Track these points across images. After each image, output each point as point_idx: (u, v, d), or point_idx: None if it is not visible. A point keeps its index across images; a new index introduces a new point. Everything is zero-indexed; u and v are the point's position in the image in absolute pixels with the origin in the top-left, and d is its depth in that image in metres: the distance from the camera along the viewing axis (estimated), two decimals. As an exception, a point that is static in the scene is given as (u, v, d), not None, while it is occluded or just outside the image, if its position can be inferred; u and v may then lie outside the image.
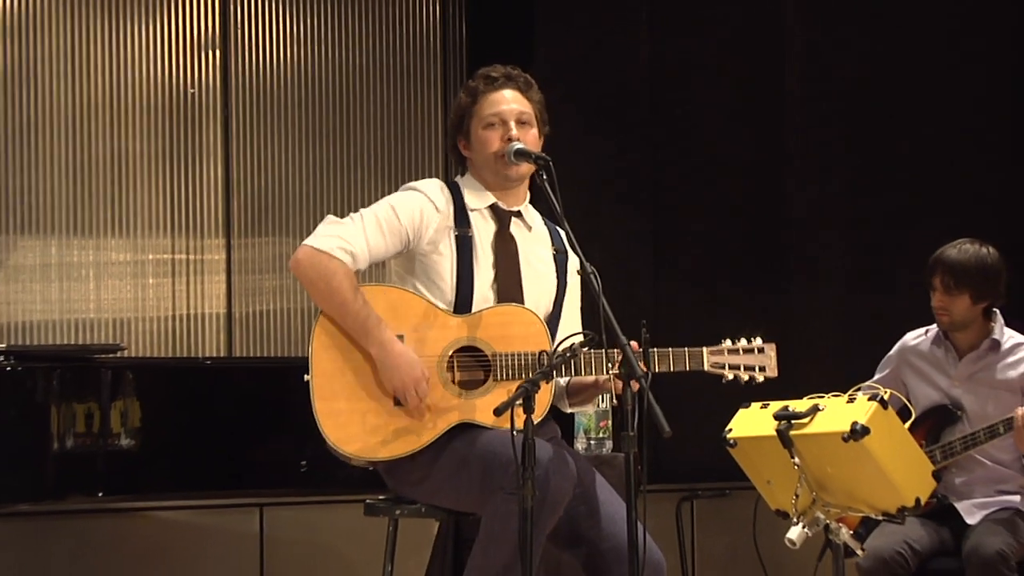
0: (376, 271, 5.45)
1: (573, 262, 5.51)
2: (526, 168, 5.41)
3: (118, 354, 6.70)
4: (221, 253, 7.81)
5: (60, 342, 7.45)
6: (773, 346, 5.53)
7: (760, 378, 5.53)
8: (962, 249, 6.78)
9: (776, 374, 5.53)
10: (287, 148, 7.93)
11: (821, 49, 8.60)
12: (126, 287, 7.67)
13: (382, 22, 8.10)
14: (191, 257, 7.77)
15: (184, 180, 7.78)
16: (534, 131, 5.46)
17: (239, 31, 7.86)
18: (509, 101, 5.46)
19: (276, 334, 7.82)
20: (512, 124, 5.42)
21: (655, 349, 5.27)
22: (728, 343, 5.49)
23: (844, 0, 8.62)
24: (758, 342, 5.51)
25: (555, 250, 5.54)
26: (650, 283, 8.02)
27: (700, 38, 8.40)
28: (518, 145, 5.38)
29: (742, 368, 5.50)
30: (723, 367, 5.47)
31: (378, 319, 5.24)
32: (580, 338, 5.10)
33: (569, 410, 5.66)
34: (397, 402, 5.28)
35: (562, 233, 5.48)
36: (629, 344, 4.93)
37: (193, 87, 7.77)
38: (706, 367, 5.44)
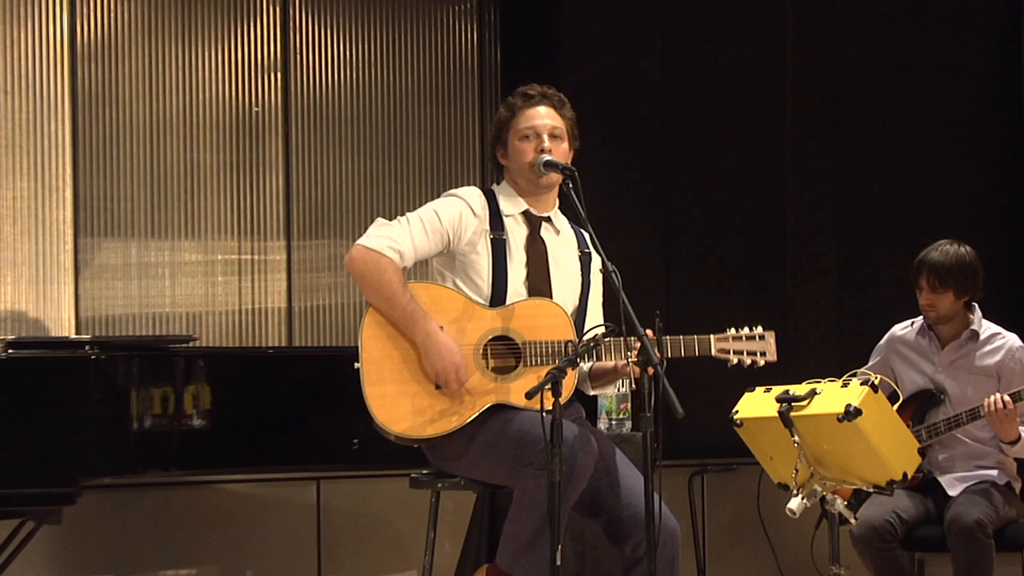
0: (420, 269, 5.46)
1: (596, 262, 5.52)
2: (555, 177, 5.42)
3: (190, 344, 6.68)
4: (282, 254, 7.80)
5: (139, 333, 7.44)
6: (772, 333, 5.54)
7: (761, 362, 5.55)
8: (943, 251, 6.78)
9: (776, 359, 5.54)
10: (341, 160, 7.92)
11: (816, 68, 8.57)
12: (197, 284, 7.67)
13: (426, 47, 8.09)
14: (255, 257, 7.76)
15: (249, 188, 7.78)
16: (565, 145, 5.47)
17: (298, 56, 7.86)
18: (543, 116, 5.47)
19: (331, 326, 7.81)
20: (545, 137, 5.44)
21: (668, 337, 5.28)
22: (732, 331, 5.51)
23: (837, 25, 8.60)
24: (759, 330, 5.53)
25: (580, 252, 5.56)
26: (663, 279, 8.00)
27: (706, 58, 8.37)
28: (547, 157, 5.40)
29: (745, 353, 5.52)
30: (728, 352, 5.49)
31: (423, 311, 5.25)
32: (602, 329, 5.13)
33: (591, 393, 5.68)
34: (438, 386, 5.30)
35: (586, 236, 5.50)
36: (645, 333, 4.95)
37: (257, 106, 7.77)
38: (713, 352, 5.45)
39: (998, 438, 6.72)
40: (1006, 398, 6.52)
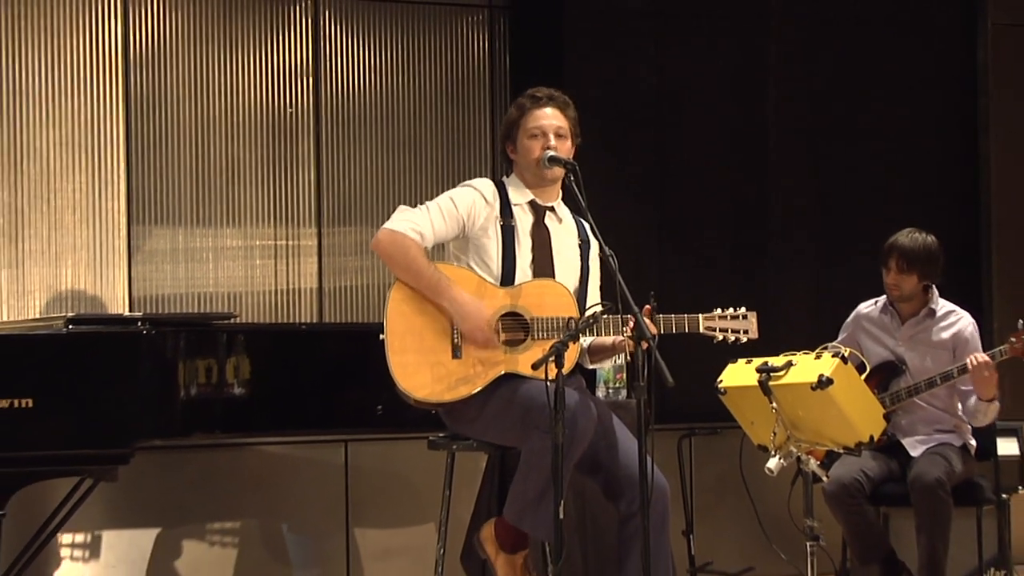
0: (437, 253, 5.48)
1: (594, 249, 5.54)
2: (558, 172, 5.45)
3: (231, 321, 6.69)
4: (313, 240, 7.81)
5: (185, 311, 7.45)
6: (754, 314, 5.56)
7: (744, 339, 5.56)
8: (912, 237, 6.81)
9: (757, 336, 5.56)
10: (367, 155, 7.93)
11: (796, 75, 8.57)
12: (237, 267, 7.68)
13: (442, 54, 8.09)
14: (290, 243, 7.77)
15: (284, 181, 7.79)
16: (568, 143, 5.49)
17: (327, 62, 7.87)
18: (550, 117, 5.49)
19: (358, 305, 7.81)
20: (551, 136, 5.46)
21: (660, 316, 5.31)
22: (719, 311, 5.52)
23: (814, 36, 8.60)
24: (742, 311, 5.54)
25: (580, 240, 5.58)
26: (656, 264, 8.02)
27: (696, 64, 8.37)
28: (551, 152, 5.42)
29: (729, 331, 5.53)
30: (714, 330, 5.51)
31: (448, 280, 5.29)
32: (600, 308, 5.16)
33: (589, 366, 5.71)
34: (455, 356, 5.32)
35: (586, 226, 5.53)
36: (640, 311, 4.98)
37: (291, 107, 7.78)
38: (701, 330, 5.47)
39: (977, 397, 6.70)
40: (984, 359, 6.54)
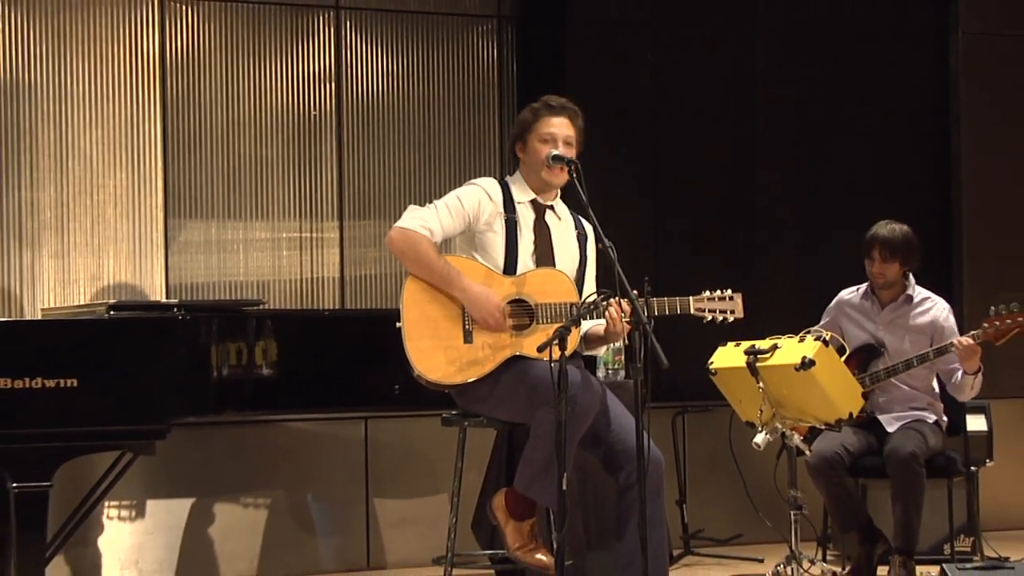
0: (445, 246, 5.48)
1: (591, 242, 5.54)
2: (560, 179, 5.46)
3: (260, 307, 6.72)
4: (336, 232, 7.81)
5: (217, 298, 7.46)
6: (740, 294, 5.55)
7: (731, 318, 5.56)
8: (891, 228, 6.81)
9: (743, 315, 5.55)
10: (384, 154, 7.92)
11: (783, 79, 8.56)
12: (266, 257, 7.69)
13: (455, 61, 8.09)
14: (314, 235, 7.77)
15: (308, 178, 7.79)
16: (573, 151, 5.49)
17: (348, 69, 7.86)
18: (561, 126, 5.50)
19: (377, 292, 7.82)
20: (560, 143, 5.46)
21: (655, 299, 5.31)
22: (707, 293, 5.52)
23: (800, 42, 8.59)
24: (728, 292, 5.54)
25: (577, 233, 5.59)
26: (651, 253, 8.01)
27: (691, 70, 8.37)
28: (555, 152, 5.43)
29: (718, 311, 5.53)
30: (704, 311, 5.50)
31: (457, 271, 5.30)
32: (600, 295, 5.17)
33: (585, 353, 5.70)
34: (466, 340, 5.33)
35: (583, 221, 5.54)
36: (637, 298, 4.99)
37: (315, 110, 7.78)
38: (692, 311, 5.47)
39: (963, 371, 6.70)
40: (968, 341, 6.54)
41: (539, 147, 5.48)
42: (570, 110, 5.53)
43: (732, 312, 5.54)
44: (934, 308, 6.90)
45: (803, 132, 8.57)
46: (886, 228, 6.81)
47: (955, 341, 6.60)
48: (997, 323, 6.54)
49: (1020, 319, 6.52)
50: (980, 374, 6.68)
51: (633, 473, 5.09)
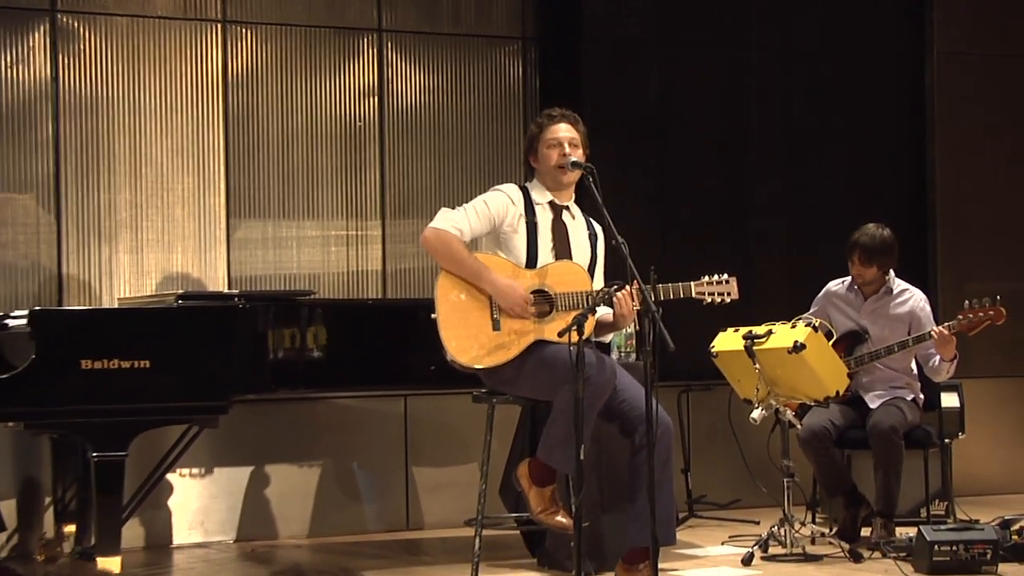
0: (471, 245, 5.47)
1: (600, 240, 5.56)
2: (574, 175, 5.48)
3: (311, 296, 6.72)
4: (378, 230, 7.80)
5: (273, 288, 7.47)
6: (735, 278, 5.52)
7: (728, 300, 5.53)
8: (871, 235, 6.81)
9: (739, 297, 5.52)
10: (422, 160, 7.91)
11: (774, 92, 8.55)
12: (316, 252, 7.68)
13: (484, 77, 8.07)
14: (359, 233, 7.77)
15: (354, 182, 7.78)
16: (580, 151, 5.50)
17: (390, 85, 7.85)
18: (564, 131, 5.51)
19: (415, 284, 7.80)
20: (566, 146, 5.47)
21: (660, 285, 5.31)
22: (706, 278, 5.49)
23: (789, 61, 8.57)
24: (725, 276, 5.51)
25: (589, 232, 5.59)
26: (658, 246, 7.98)
27: (692, 83, 8.36)
28: (572, 158, 5.44)
29: (716, 294, 5.50)
30: (703, 294, 5.48)
31: (485, 266, 5.31)
32: (615, 286, 5.18)
33: (595, 339, 5.69)
34: (494, 328, 5.33)
35: (595, 223, 5.55)
36: (632, 284, 5.00)
37: (360, 121, 7.79)
38: (693, 294, 5.45)
39: (940, 358, 6.69)
40: (943, 331, 6.53)
41: (548, 153, 5.50)
42: (570, 116, 5.56)
43: (729, 294, 5.52)
44: (912, 299, 6.89)
45: (794, 139, 8.55)
46: (866, 235, 6.81)
47: (933, 331, 6.58)
48: (971, 315, 6.53)
49: (991, 312, 6.53)
50: (956, 360, 6.67)
51: (645, 436, 5.08)
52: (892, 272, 6.91)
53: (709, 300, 5.50)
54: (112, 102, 7.32)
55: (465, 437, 7.60)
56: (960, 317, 6.54)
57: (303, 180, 7.66)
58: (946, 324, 6.58)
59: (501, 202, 5.46)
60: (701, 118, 8.37)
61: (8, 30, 7.13)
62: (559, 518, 5.34)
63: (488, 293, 5.31)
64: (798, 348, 6.08)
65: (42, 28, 7.19)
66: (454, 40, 8.00)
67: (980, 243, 8.81)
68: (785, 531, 6.37)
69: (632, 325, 6.03)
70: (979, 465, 8.51)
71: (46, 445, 6.81)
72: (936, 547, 5.93)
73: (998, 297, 6.52)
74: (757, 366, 6.21)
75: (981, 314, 6.51)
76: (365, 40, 7.82)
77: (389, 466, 7.71)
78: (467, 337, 5.32)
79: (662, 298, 5.29)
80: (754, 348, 6.21)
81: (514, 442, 6.69)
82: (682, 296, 5.43)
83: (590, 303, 5.15)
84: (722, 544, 6.91)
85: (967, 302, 6.56)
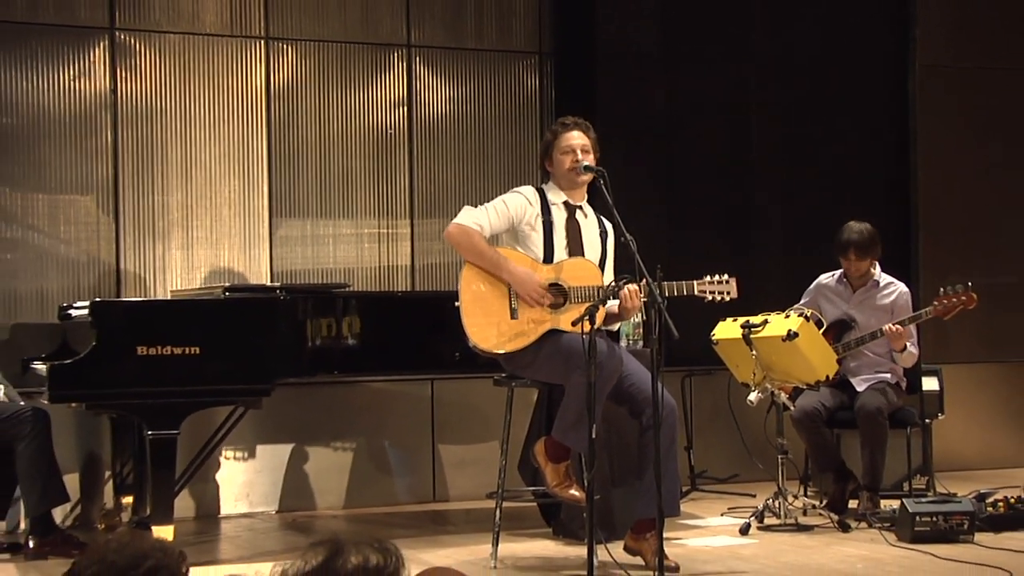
0: (492, 241, 5.47)
1: (610, 238, 5.55)
2: (586, 178, 5.47)
3: (346, 289, 6.71)
4: (408, 228, 7.80)
5: (311, 282, 7.48)
6: (735, 278, 5.52)
7: (727, 298, 5.55)
8: (859, 232, 6.81)
9: (737, 296, 5.54)
10: (447, 165, 7.90)
11: (772, 99, 8.52)
12: (351, 249, 7.69)
13: (504, 89, 8.06)
14: (390, 231, 7.77)
15: (385, 185, 7.78)
16: (591, 156, 5.50)
17: (418, 96, 7.84)
18: (577, 138, 5.52)
19: (441, 278, 7.79)
20: (579, 151, 5.47)
21: (665, 282, 5.30)
22: (708, 277, 5.51)
23: (785, 72, 8.53)
24: (725, 276, 5.51)
25: (600, 231, 5.59)
26: (665, 246, 7.96)
27: (697, 93, 8.32)
28: (586, 163, 5.43)
29: (717, 292, 5.51)
30: (705, 292, 5.48)
31: (505, 258, 5.32)
32: (624, 279, 5.17)
33: (604, 328, 5.69)
34: (512, 317, 5.33)
35: (605, 222, 5.54)
36: (641, 281, 4.99)
37: (391, 129, 7.79)
38: (695, 292, 5.46)
39: (892, 349, 6.71)
40: (896, 327, 6.53)
41: (562, 158, 5.50)
42: (582, 124, 5.56)
43: (728, 293, 5.53)
44: (895, 292, 6.88)
45: (790, 144, 8.52)
46: (855, 232, 6.79)
47: (884, 328, 6.57)
48: (945, 301, 6.54)
49: (963, 298, 6.53)
50: (908, 350, 6.65)
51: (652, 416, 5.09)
52: (878, 266, 6.90)
53: (710, 298, 5.51)
54: (165, 112, 7.33)
55: (487, 417, 7.59)
56: (935, 303, 6.55)
57: (339, 183, 7.66)
58: (923, 310, 6.60)
59: (519, 202, 5.46)
60: (705, 126, 8.34)
61: (71, 46, 7.15)
62: (573, 491, 5.36)
63: (507, 282, 5.31)
64: (791, 336, 6.07)
65: (102, 44, 7.21)
66: (477, 55, 7.99)
67: (958, 242, 8.78)
68: (779, 503, 6.36)
69: (640, 315, 6.02)
70: (957, 443, 8.48)
71: (106, 424, 6.84)
72: (917, 518, 5.93)
73: (969, 283, 6.51)
74: (754, 353, 6.20)
75: (955, 299, 6.52)
76: (395, 55, 7.82)
77: (417, 444, 7.72)
78: (488, 325, 5.33)
79: (666, 294, 5.29)
80: (751, 336, 6.19)
81: (531, 422, 6.69)
82: (684, 293, 5.43)
83: (601, 296, 5.15)
84: (722, 515, 6.91)
85: (942, 289, 6.56)
